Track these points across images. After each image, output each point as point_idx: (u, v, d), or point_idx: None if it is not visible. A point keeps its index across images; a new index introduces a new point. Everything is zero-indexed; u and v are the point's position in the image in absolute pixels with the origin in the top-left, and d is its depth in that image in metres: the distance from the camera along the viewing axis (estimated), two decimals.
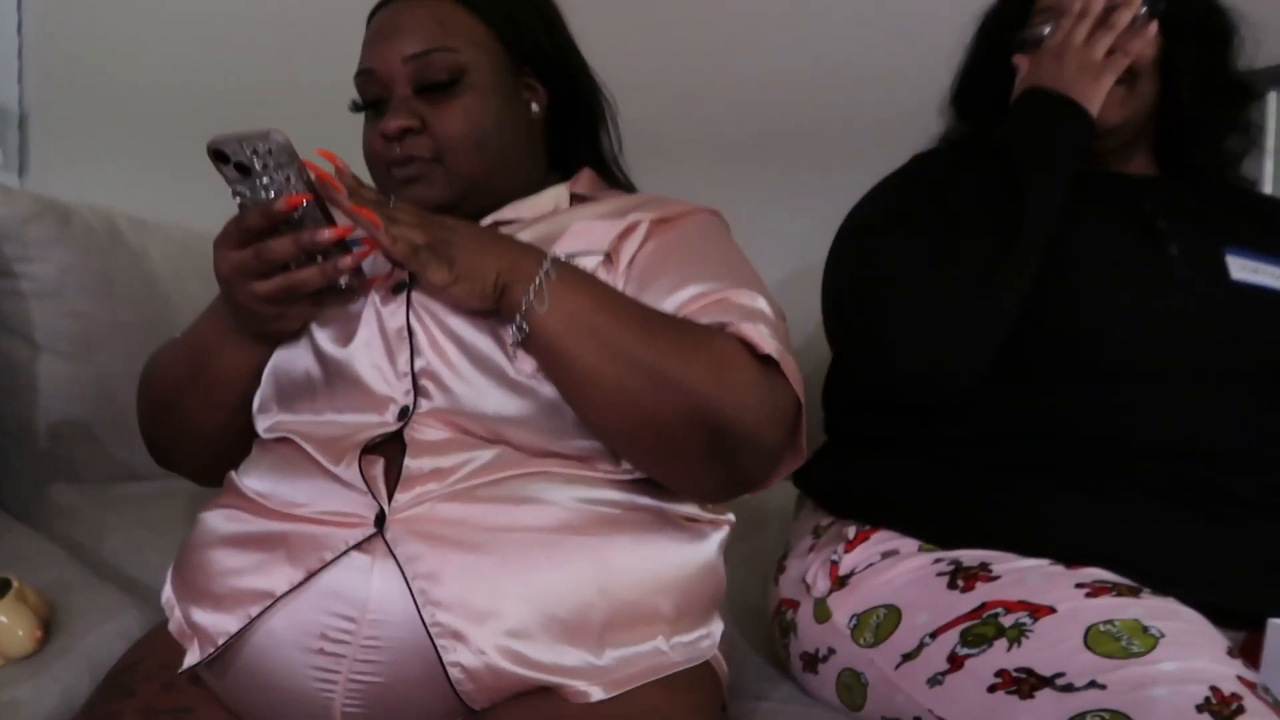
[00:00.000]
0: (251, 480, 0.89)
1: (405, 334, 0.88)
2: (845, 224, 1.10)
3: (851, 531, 1.01)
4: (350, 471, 0.83)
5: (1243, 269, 0.98)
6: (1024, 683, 0.79)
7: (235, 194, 0.81)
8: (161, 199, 1.75)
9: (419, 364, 0.87)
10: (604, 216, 0.94)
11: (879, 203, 1.09)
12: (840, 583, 0.99)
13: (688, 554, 0.86)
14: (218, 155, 0.78)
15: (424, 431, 0.85)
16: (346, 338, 0.89)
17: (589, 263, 0.89)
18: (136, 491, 1.46)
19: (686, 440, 0.81)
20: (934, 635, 0.88)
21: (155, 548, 1.28)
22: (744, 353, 0.82)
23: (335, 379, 0.89)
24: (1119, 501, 0.90)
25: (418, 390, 0.86)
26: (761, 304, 0.87)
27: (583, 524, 0.82)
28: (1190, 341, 0.94)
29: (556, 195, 1.00)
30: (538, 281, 0.80)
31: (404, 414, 0.86)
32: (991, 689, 0.81)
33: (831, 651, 0.98)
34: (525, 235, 0.93)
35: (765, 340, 0.82)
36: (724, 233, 0.98)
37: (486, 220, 0.97)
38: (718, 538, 0.90)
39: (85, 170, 1.74)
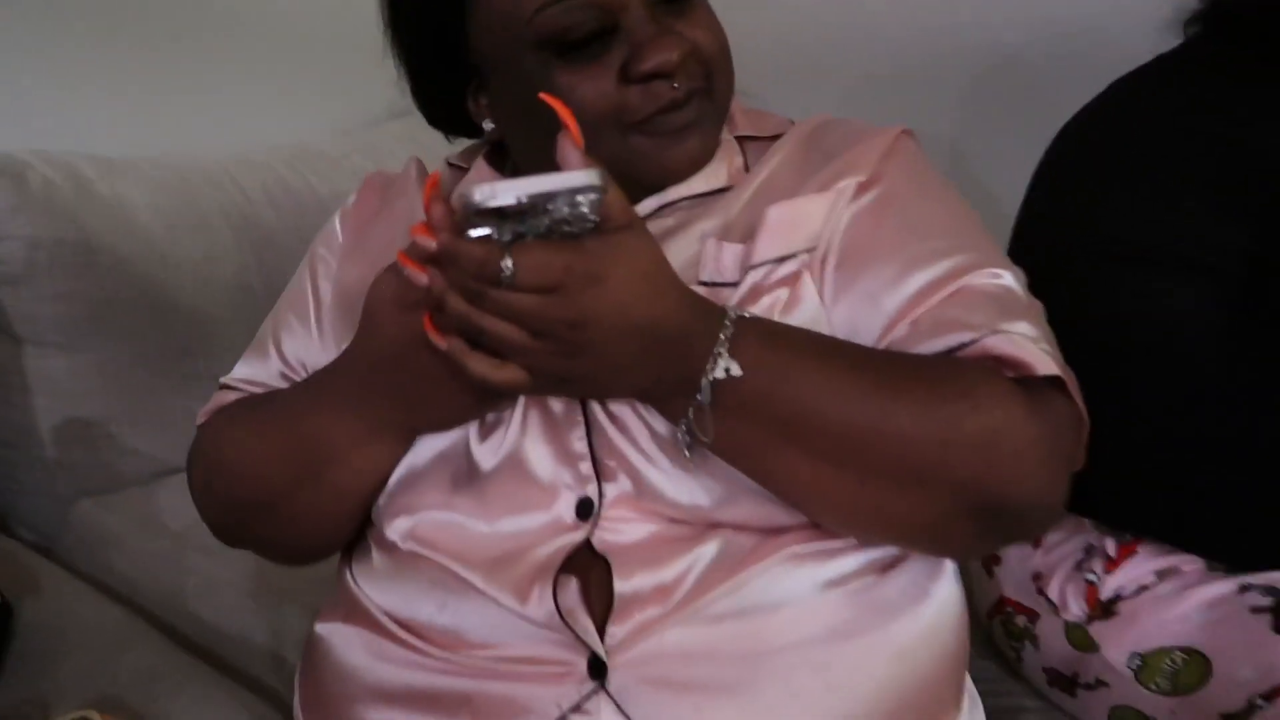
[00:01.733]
0: (389, 600, 0.69)
1: (576, 403, 0.66)
2: (1070, 172, 0.84)
3: (1111, 546, 0.84)
4: (542, 609, 0.63)
5: None
6: None
7: (503, 231, 0.54)
8: (124, 128, 1.44)
9: (597, 440, 0.65)
10: (795, 179, 0.70)
11: (1144, 179, 0.81)
12: (1104, 610, 0.83)
13: (948, 596, 0.69)
14: (491, 210, 0.51)
15: (620, 529, 0.65)
16: (496, 413, 0.67)
17: (795, 265, 0.66)
18: (178, 499, 1.25)
19: (947, 530, 0.63)
20: (1268, 698, 0.72)
21: (230, 587, 1.09)
22: (1016, 404, 0.60)
23: (483, 466, 0.67)
24: None
25: (600, 473, 0.65)
26: (1009, 281, 0.65)
27: (852, 621, 0.64)
28: None
29: (725, 148, 0.74)
30: (702, 392, 0.58)
31: (584, 509, 0.65)
32: None
33: (1102, 683, 0.83)
34: (710, 224, 0.68)
35: (1040, 359, 0.61)
36: (927, 165, 0.73)
37: (650, 204, 0.70)
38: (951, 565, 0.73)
39: (24, 101, 1.41)
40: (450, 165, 0.81)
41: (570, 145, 0.54)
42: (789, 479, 0.61)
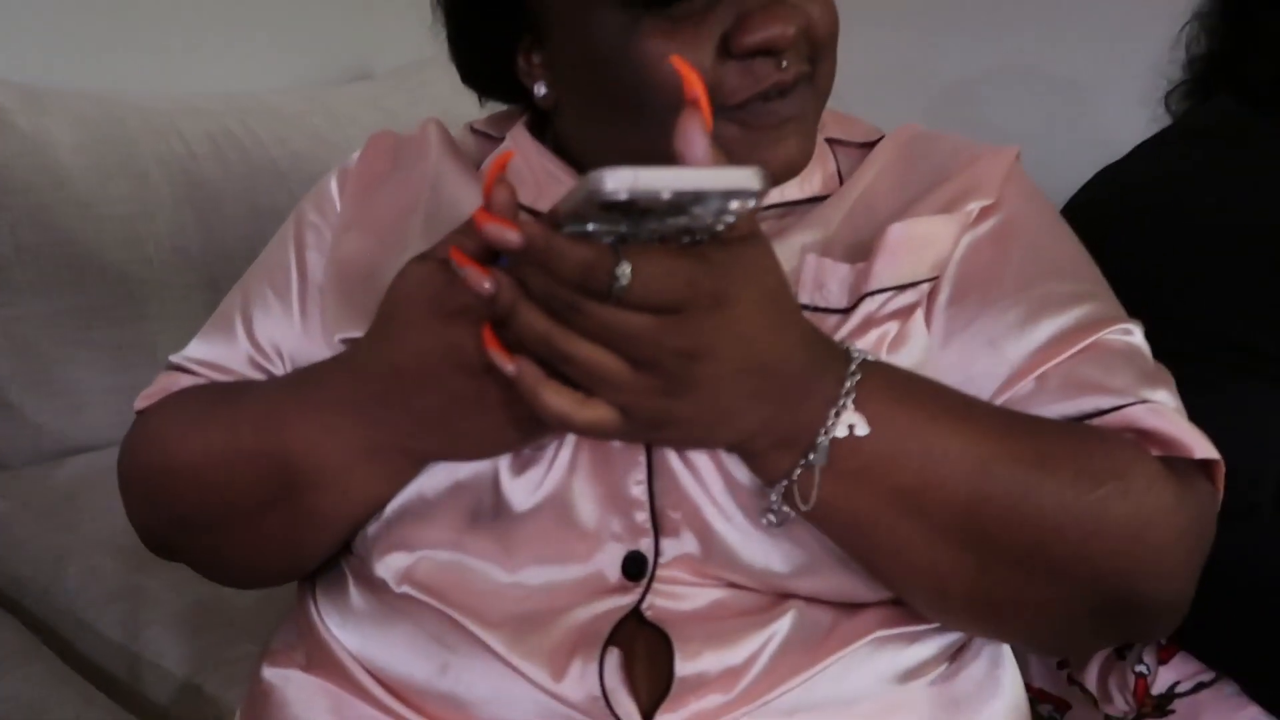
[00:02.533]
0: (371, 651, 0.57)
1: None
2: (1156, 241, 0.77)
3: None
4: (582, 689, 0.51)
5: None
6: None
7: (603, 233, 0.42)
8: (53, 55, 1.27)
9: (661, 486, 0.54)
10: (898, 195, 0.60)
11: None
12: (1157, 707, 0.75)
13: (1015, 684, 0.60)
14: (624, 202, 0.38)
15: (677, 594, 0.54)
16: (533, 446, 0.55)
17: (914, 296, 0.56)
18: (83, 485, 1.09)
19: (1068, 627, 0.54)
20: None
21: (141, 595, 0.93)
22: (1167, 490, 0.51)
23: (515, 506, 0.55)
24: None
25: (658, 526, 0.54)
26: (1139, 339, 0.57)
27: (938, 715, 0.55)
28: None
29: (818, 151, 0.63)
30: (818, 451, 0.47)
31: (634, 566, 0.54)
32: None
33: None
34: (808, 236, 0.58)
35: (1197, 439, 0.53)
36: (1042, 193, 0.64)
37: None
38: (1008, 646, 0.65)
39: None
40: (474, 132, 0.68)
41: (699, 132, 0.41)
42: (897, 559, 0.51)
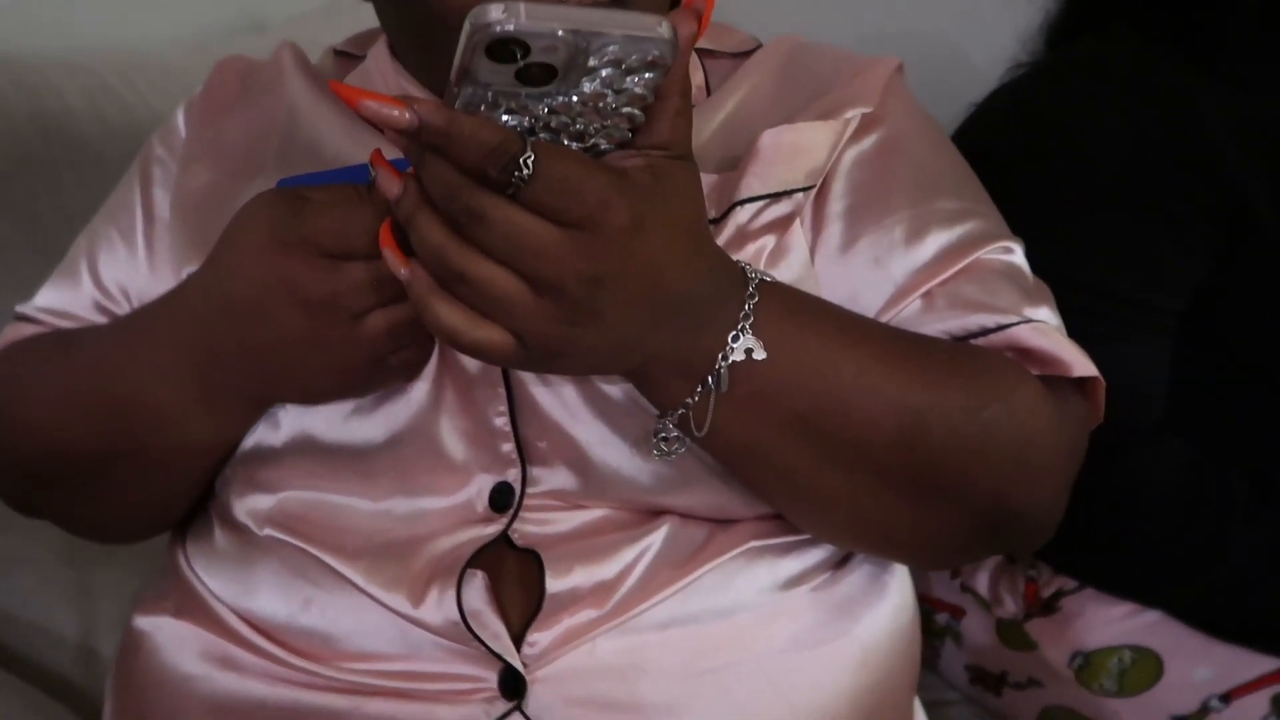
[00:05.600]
0: (235, 593, 0.56)
1: (498, 371, 0.53)
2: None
3: None
4: (440, 613, 0.51)
5: None
6: None
7: (504, 109, 0.39)
8: None
9: (524, 414, 0.53)
10: (776, 108, 0.58)
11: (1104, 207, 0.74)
12: (1046, 607, 0.77)
13: (903, 587, 0.61)
14: (513, 43, 0.36)
15: (547, 519, 0.54)
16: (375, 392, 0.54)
17: (789, 206, 0.55)
18: None
19: (948, 545, 0.56)
20: (1226, 698, 0.68)
21: (25, 562, 0.91)
22: (1048, 411, 0.52)
23: (372, 438, 0.54)
24: None
25: (525, 455, 0.53)
26: (1019, 258, 0.58)
27: (816, 627, 0.55)
28: None
29: None
30: (717, 378, 0.46)
31: (501, 497, 0.53)
32: None
33: (1035, 683, 0.79)
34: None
35: (1077, 358, 0.54)
36: (923, 107, 0.63)
37: None
38: None
39: None
40: (337, 54, 0.67)
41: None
42: (785, 482, 0.51)
